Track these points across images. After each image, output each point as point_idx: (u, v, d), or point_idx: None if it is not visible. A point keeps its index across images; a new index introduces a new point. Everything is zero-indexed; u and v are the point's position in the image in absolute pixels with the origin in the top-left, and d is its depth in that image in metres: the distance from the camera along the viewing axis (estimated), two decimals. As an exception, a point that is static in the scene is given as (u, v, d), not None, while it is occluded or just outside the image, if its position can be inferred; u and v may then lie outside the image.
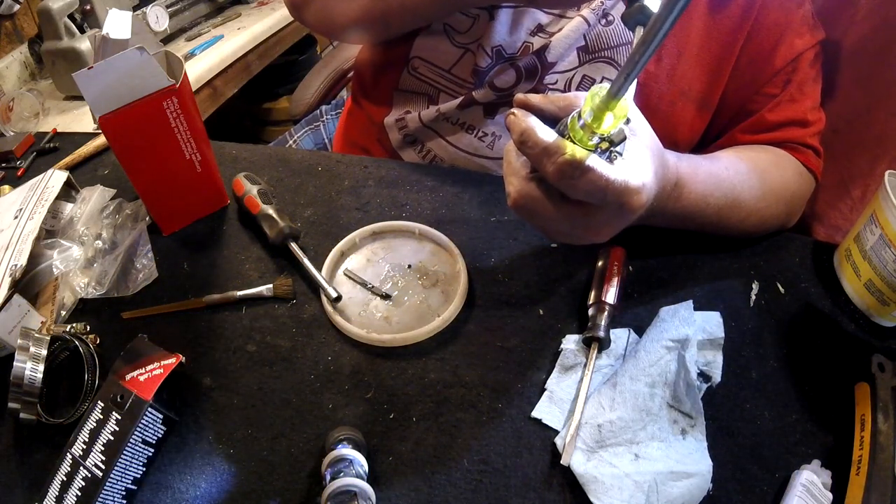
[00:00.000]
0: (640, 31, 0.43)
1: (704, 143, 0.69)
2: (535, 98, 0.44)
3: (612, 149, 0.39)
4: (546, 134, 0.40)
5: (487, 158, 0.70)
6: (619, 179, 0.39)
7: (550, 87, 0.66)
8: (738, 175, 0.57)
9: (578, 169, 0.38)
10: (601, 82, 0.63)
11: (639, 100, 0.63)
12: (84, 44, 1.22)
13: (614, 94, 0.35)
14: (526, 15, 0.65)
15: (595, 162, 0.38)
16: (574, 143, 0.38)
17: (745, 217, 0.57)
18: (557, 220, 0.42)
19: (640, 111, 0.47)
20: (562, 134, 0.40)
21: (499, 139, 0.69)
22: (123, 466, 0.42)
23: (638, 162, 0.42)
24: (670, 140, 0.64)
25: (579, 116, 0.38)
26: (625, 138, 0.38)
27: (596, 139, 0.38)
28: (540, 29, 0.66)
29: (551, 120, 0.43)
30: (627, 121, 0.40)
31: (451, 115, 0.70)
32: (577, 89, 0.65)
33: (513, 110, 0.42)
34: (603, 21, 0.63)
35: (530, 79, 0.66)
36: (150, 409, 0.44)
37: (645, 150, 0.44)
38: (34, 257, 0.56)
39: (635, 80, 0.38)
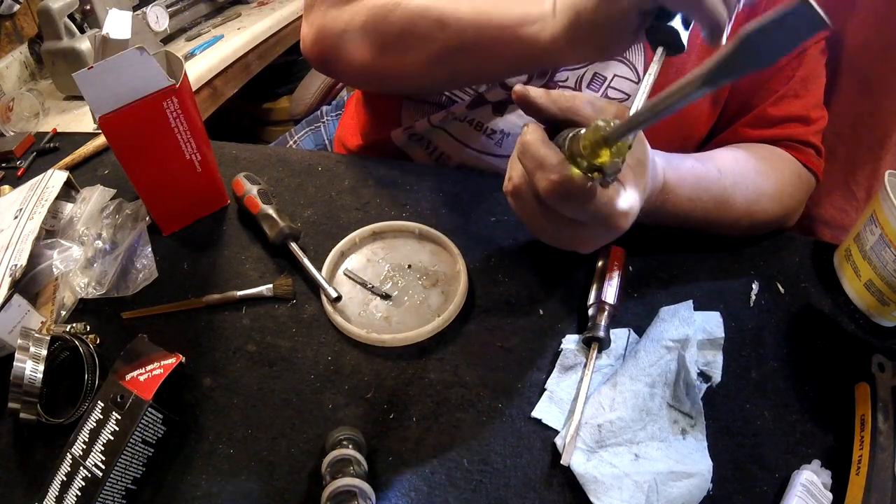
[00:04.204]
0: (661, 50, 0.43)
1: (710, 138, 0.69)
2: (535, 93, 0.43)
3: (604, 178, 0.39)
4: (545, 148, 0.40)
5: (495, 156, 0.70)
6: (607, 204, 0.39)
7: (561, 83, 0.65)
8: (730, 177, 0.57)
9: (567, 190, 0.38)
10: (612, 80, 0.63)
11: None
12: (84, 44, 1.22)
13: (616, 139, 0.35)
14: None
15: (585, 185, 0.38)
16: (569, 161, 0.39)
17: (737, 218, 0.58)
18: (544, 224, 0.44)
19: None
20: (560, 147, 0.40)
21: (507, 137, 0.69)
22: (123, 466, 0.42)
23: (628, 184, 0.42)
24: (685, 135, 0.64)
25: (580, 140, 0.37)
26: (619, 171, 0.39)
27: (589, 165, 0.38)
28: None
29: (550, 121, 0.43)
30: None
31: (460, 115, 0.69)
32: (587, 86, 0.65)
33: (527, 123, 0.43)
34: None
35: (542, 76, 0.65)
36: (150, 409, 0.44)
37: (637, 167, 0.44)
38: (34, 257, 0.56)
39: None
